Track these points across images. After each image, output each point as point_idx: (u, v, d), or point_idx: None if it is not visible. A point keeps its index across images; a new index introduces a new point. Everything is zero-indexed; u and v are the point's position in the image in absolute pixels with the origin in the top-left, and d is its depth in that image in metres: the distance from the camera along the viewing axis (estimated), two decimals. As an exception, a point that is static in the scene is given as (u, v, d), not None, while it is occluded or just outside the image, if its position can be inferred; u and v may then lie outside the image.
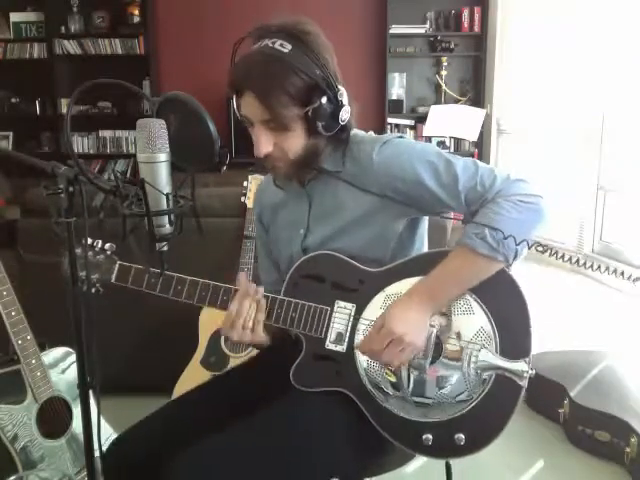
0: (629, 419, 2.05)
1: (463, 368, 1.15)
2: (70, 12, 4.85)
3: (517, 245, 1.09)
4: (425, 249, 1.33)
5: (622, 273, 1.21)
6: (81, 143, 5.07)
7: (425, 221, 1.32)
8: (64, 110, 4.84)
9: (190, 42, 5.05)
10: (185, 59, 5.08)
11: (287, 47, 1.10)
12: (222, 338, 2.26)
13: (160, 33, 5.07)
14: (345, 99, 1.16)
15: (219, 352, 2.24)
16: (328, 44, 1.17)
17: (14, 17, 4.90)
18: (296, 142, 1.16)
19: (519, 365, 1.14)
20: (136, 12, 4.88)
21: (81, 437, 1.12)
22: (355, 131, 1.25)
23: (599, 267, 1.18)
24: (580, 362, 2.42)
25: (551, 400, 2.30)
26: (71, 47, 4.85)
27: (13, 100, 4.96)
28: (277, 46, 1.10)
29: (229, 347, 2.25)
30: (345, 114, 1.16)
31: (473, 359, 1.14)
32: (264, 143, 1.15)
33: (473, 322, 1.16)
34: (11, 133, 5.12)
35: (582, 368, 2.36)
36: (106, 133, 5.07)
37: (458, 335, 1.16)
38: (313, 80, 1.11)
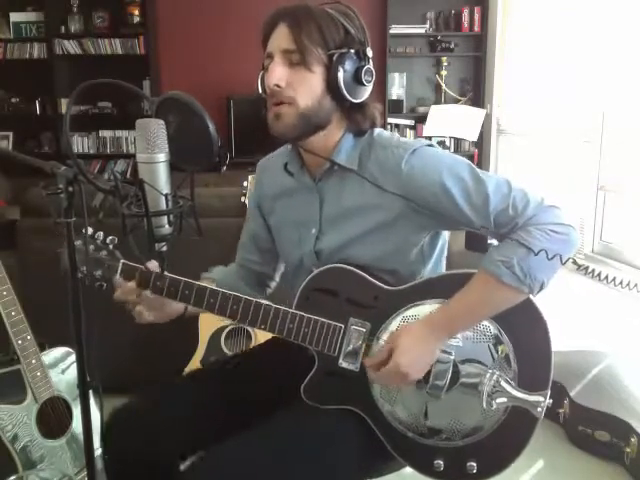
0: (629, 419, 2.05)
1: (479, 396, 1.11)
2: (70, 12, 4.85)
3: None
4: (444, 263, 1.29)
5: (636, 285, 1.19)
6: (81, 143, 5.07)
7: (446, 233, 1.27)
8: (64, 110, 4.84)
9: (190, 42, 5.04)
10: (185, 59, 5.07)
11: (332, 10, 1.13)
12: (222, 337, 2.26)
13: (160, 33, 5.07)
14: (372, 65, 1.15)
15: (219, 352, 2.24)
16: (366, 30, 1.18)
17: (14, 17, 4.89)
18: (310, 87, 1.12)
19: (535, 397, 1.11)
20: (136, 12, 4.87)
21: (81, 437, 1.12)
22: (380, 131, 1.21)
23: (614, 279, 1.15)
24: (580, 362, 2.41)
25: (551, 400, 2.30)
26: (71, 47, 4.85)
27: (13, 100, 4.96)
28: (324, 6, 1.14)
29: (229, 347, 2.25)
30: (367, 75, 1.13)
31: (490, 388, 1.11)
32: (278, 73, 1.11)
33: (492, 350, 1.13)
34: (11, 133, 5.12)
35: (582, 368, 2.36)
36: (106, 133, 5.07)
37: (476, 363, 1.13)
38: (349, 33, 1.12)
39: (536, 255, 1.04)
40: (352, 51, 1.12)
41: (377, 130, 1.21)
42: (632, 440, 2.00)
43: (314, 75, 1.11)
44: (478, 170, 1.13)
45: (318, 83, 1.12)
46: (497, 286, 1.07)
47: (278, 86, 1.11)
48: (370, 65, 1.14)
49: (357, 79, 1.12)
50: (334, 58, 1.10)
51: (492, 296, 1.10)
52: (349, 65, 1.11)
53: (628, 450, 2.02)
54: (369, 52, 1.14)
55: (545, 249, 1.04)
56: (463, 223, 1.14)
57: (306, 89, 1.11)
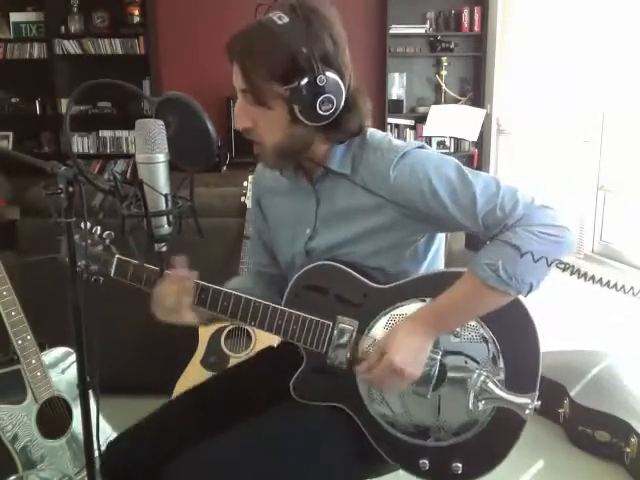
0: (629, 419, 2.05)
1: (466, 397, 1.11)
2: (70, 12, 4.84)
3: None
4: (441, 263, 1.28)
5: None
6: (81, 143, 5.07)
7: (442, 236, 1.26)
8: (64, 110, 4.84)
9: (190, 42, 5.04)
10: (185, 59, 5.07)
11: (284, 20, 1.05)
12: (222, 338, 2.26)
13: (160, 33, 5.07)
14: (331, 86, 1.06)
15: (219, 352, 2.24)
16: (334, 25, 1.08)
17: (14, 17, 4.88)
18: (275, 124, 1.09)
19: (523, 400, 1.10)
20: (136, 12, 4.87)
21: (81, 437, 1.12)
22: (372, 131, 1.19)
23: (615, 285, 1.13)
24: (580, 362, 2.42)
25: (551, 400, 2.30)
26: (71, 47, 4.85)
27: (13, 100, 4.96)
28: (274, 18, 1.06)
29: (229, 347, 2.25)
30: (325, 104, 1.06)
31: (477, 389, 1.10)
32: (240, 115, 1.10)
33: (480, 351, 1.12)
34: (11, 133, 5.12)
35: (582, 368, 2.36)
36: (106, 133, 5.07)
37: (464, 363, 1.12)
38: (296, 58, 1.04)
39: (521, 258, 1.03)
40: (303, 83, 1.04)
41: (370, 130, 1.18)
42: (632, 440, 2.01)
43: (274, 111, 1.08)
44: (467, 170, 1.10)
45: (281, 116, 1.08)
46: (482, 288, 1.07)
47: (245, 130, 1.11)
48: (329, 91, 1.06)
49: (314, 108, 1.06)
50: (287, 96, 1.06)
51: (477, 297, 1.09)
52: (304, 99, 1.05)
53: (628, 450, 2.02)
54: (321, 79, 1.05)
55: (531, 251, 1.02)
56: (452, 225, 1.12)
57: (270, 126, 1.10)
